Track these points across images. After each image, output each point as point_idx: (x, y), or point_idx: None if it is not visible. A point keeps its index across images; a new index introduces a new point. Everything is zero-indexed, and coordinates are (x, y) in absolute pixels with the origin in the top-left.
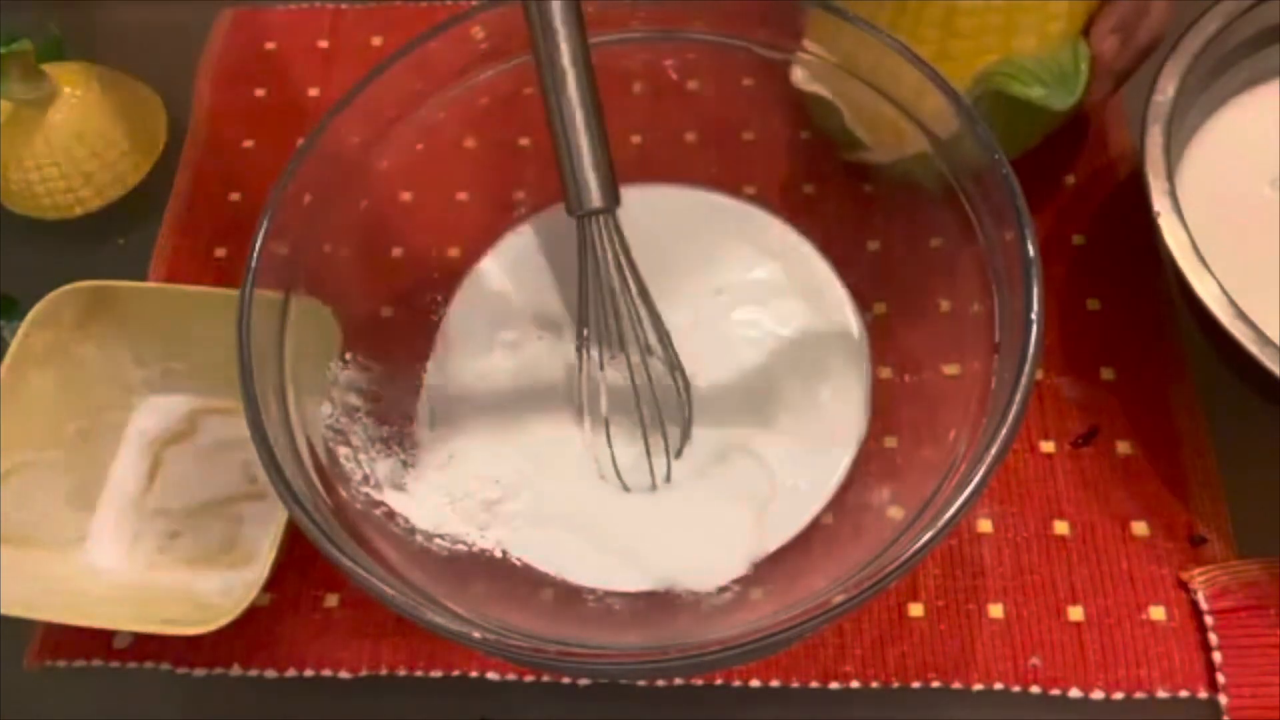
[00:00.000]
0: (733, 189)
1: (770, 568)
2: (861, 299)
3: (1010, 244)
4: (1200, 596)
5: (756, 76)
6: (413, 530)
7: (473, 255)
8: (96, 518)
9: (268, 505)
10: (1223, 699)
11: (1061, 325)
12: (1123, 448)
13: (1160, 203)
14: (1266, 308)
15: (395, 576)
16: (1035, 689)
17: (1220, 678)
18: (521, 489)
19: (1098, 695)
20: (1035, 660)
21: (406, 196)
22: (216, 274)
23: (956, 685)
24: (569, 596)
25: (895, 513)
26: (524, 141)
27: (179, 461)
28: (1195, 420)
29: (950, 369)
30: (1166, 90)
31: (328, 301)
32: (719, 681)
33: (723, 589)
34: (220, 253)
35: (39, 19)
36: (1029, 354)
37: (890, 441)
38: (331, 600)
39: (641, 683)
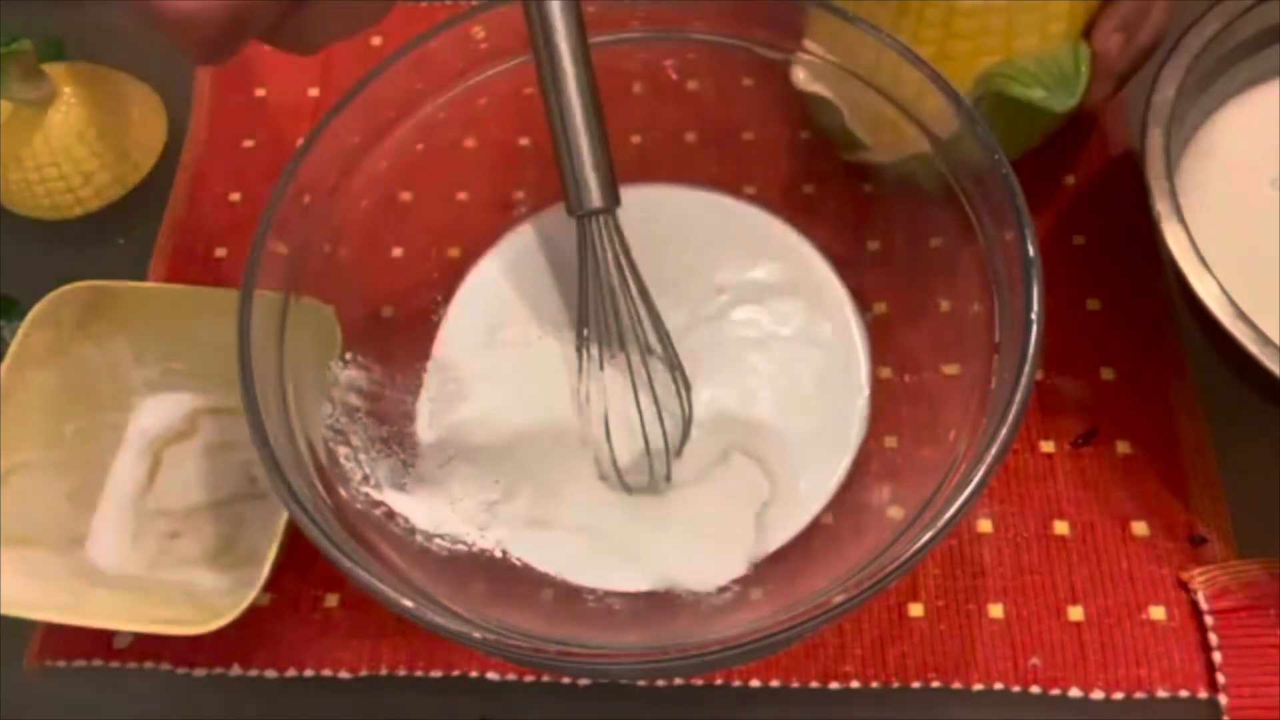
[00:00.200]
0: (733, 189)
1: (770, 568)
2: (861, 299)
3: (1010, 244)
4: (1200, 596)
5: (756, 76)
6: (413, 530)
7: (473, 255)
8: (96, 518)
9: (268, 505)
10: (1223, 699)
11: (1061, 325)
12: (1122, 448)
13: (1160, 203)
14: (1266, 308)
15: (395, 577)
16: (1035, 689)
17: (1220, 678)
18: (521, 489)
19: (1098, 695)
20: (1035, 660)
21: (406, 196)
22: (216, 274)
23: (956, 685)
24: (569, 596)
25: (895, 513)
26: (524, 141)
27: (179, 461)
28: (1195, 420)
29: (950, 369)
30: (1166, 90)
31: (328, 301)
32: (719, 681)
33: (723, 589)
34: (220, 253)
35: (39, 19)
36: (1029, 354)
37: (890, 441)
38: (331, 600)
39: (641, 683)
